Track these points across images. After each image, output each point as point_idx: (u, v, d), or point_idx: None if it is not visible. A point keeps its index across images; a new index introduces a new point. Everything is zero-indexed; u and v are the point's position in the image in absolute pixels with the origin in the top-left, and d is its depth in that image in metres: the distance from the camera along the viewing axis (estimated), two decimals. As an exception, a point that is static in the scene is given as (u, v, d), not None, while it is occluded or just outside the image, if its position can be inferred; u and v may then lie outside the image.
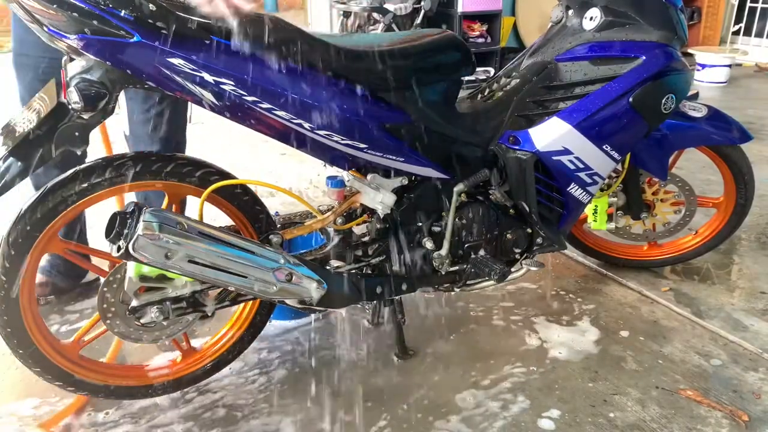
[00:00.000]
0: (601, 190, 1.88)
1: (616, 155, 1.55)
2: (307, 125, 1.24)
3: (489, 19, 4.93)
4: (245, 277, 1.25)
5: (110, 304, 1.31)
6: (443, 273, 1.55)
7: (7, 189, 1.15)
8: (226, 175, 1.37)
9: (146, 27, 1.08)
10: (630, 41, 1.52)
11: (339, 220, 1.49)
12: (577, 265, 2.19)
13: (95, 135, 1.19)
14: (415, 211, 1.50)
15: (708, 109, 1.81)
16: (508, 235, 1.58)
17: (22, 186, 1.18)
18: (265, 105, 1.19)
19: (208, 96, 1.16)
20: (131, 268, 1.26)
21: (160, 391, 1.48)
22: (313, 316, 1.86)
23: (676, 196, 1.99)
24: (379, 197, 1.43)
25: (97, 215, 1.40)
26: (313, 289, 1.34)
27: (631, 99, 1.49)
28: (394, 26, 4.04)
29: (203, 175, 1.34)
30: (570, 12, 1.60)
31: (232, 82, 1.15)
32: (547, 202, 1.59)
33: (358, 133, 1.29)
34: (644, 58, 1.50)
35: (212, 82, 1.14)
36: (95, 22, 1.05)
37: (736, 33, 6.22)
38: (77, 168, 1.25)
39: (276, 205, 2.60)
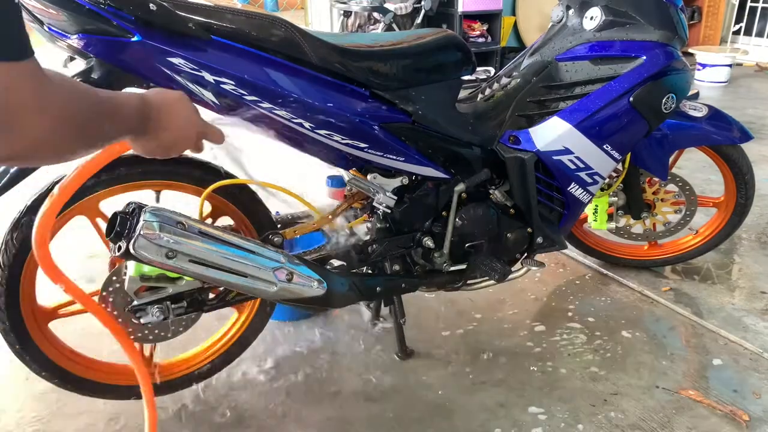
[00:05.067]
0: (602, 189, 1.88)
1: (616, 155, 1.55)
2: (307, 125, 1.24)
3: (489, 18, 4.93)
4: (246, 276, 1.24)
5: (110, 304, 1.31)
6: (444, 272, 1.55)
7: (7, 189, 1.15)
8: (226, 175, 1.37)
9: (146, 26, 1.08)
10: (630, 41, 1.52)
11: (339, 220, 1.49)
12: (578, 264, 2.19)
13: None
14: (416, 210, 1.50)
15: (708, 109, 1.81)
16: (509, 235, 1.58)
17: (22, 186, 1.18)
18: (266, 104, 1.19)
19: (209, 95, 1.17)
20: (132, 268, 1.26)
21: (161, 391, 1.48)
22: (313, 315, 1.86)
23: (677, 196, 1.99)
24: (380, 197, 1.43)
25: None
26: (314, 289, 1.34)
27: (631, 98, 1.49)
28: (394, 26, 4.05)
29: (203, 174, 1.34)
30: (570, 12, 1.60)
31: (232, 82, 1.15)
32: (547, 202, 1.59)
33: (358, 133, 1.29)
34: (645, 57, 1.50)
35: (212, 81, 1.14)
36: (96, 22, 1.05)
37: (737, 33, 6.21)
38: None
39: (276, 205, 2.60)
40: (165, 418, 1.47)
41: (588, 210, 1.90)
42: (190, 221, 1.21)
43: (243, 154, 1.24)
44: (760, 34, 6.06)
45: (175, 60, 1.11)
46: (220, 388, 1.56)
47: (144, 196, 1.32)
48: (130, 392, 1.45)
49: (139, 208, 1.18)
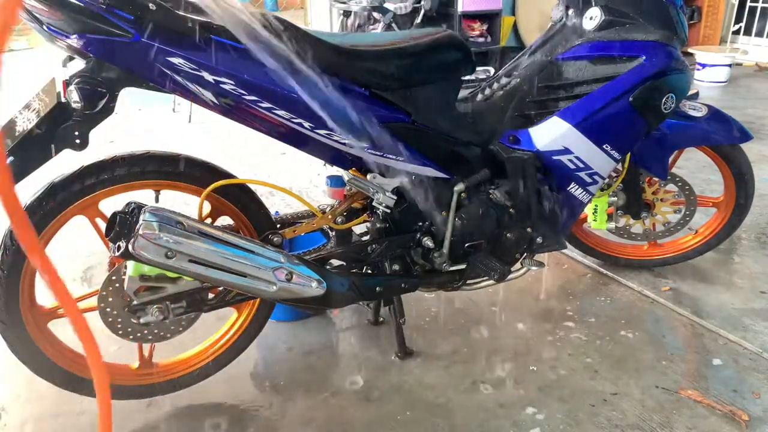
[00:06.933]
0: (601, 189, 1.88)
1: (616, 155, 1.55)
2: (306, 124, 1.24)
3: (489, 18, 4.93)
4: (245, 276, 1.25)
5: (110, 303, 1.31)
6: (443, 272, 1.55)
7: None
8: (226, 175, 1.37)
9: (146, 26, 1.08)
10: (630, 41, 1.52)
11: (339, 220, 1.49)
12: (577, 264, 2.19)
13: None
14: (415, 210, 1.50)
15: (708, 109, 1.81)
16: (508, 235, 1.58)
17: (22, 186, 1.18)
18: (265, 104, 1.19)
19: (208, 95, 1.16)
20: (131, 268, 1.26)
21: (160, 391, 1.48)
22: (312, 315, 1.85)
23: (676, 196, 1.99)
24: (379, 197, 1.43)
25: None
26: (313, 289, 1.34)
27: (631, 98, 1.49)
28: (394, 26, 4.05)
29: (203, 174, 1.34)
30: (570, 11, 1.60)
31: (232, 82, 1.15)
32: (547, 202, 1.58)
33: (358, 133, 1.29)
34: (644, 57, 1.50)
35: (212, 81, 1.14)
36: (95, 22, 1.05)
37: (736, 32, 6.21)
38: (78, 168, 1.25)
39: (276, 204, 2.60)
40: (165, 418, 1.47)
41: (588, 210, 1.90)
42: (189, 221, 1.21)
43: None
44: (759, 33, 6.06)
45: (174, 60, 1.11)
46: (219, 388, 1.55)
47: (144, 196, 1.32)
48: (131, 392, 1.45)
49: (139, 208, 1.19)
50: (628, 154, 1.78)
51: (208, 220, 1.41)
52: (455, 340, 1.75)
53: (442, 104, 1.41)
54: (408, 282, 1.53)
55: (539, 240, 1.61)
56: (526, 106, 1.53)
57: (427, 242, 1.50)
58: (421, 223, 1.51)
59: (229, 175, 1.37)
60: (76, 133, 1.14)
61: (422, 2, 4.11)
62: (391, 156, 1.35)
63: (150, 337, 1.37)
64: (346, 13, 4.45)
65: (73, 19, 1.04)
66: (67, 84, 1.11)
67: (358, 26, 4.42)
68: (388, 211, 1.45)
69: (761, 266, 2.15)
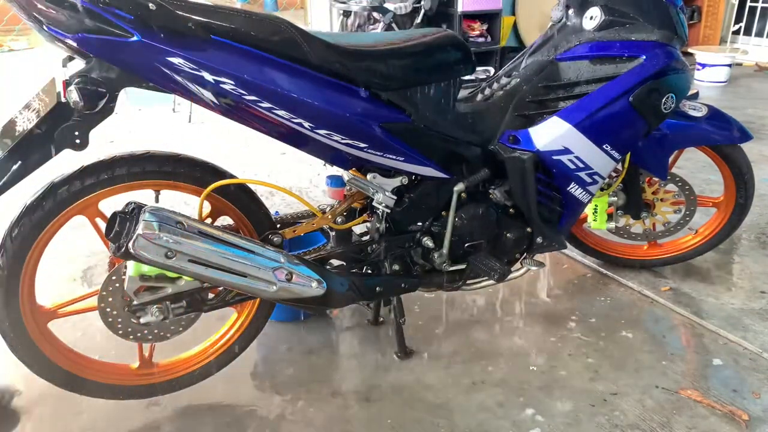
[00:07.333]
0: (601, 189, 1.88)
1: (616, 155, 1.55)
2: (306, 124, 1.24)
3: (489, 18, 4.93)
4: (245, 276, 1.25)
5: (110, 303, 1.31)
6: (443, 272, 1.55)
7: (7, 188, 1.15)
8: (226, 175, 1.37)
9: (146, 26, 1.08)
10: (630, 41, 1.52)
11: (339, 220, 1.49)
12: (577, 264, 2.19)
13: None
14: (415, 210, 1.50)
15: (708, 109, 1.81)
16: (508, 235, 1.58)
17: (22, 186, 1.18)
18: (265, 104, 1.19)
19: (208, 95, 1.17)
20: (131, 267, 1.26)
21: (160, 391, 1.48)
22: (312, 315, 1.85)
23: (676, 196, 1.99)
24: (379, 197, 1.43)
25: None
26: (313, 289, 1.34)
27: (631, 98, 1.49)
28: (394, 26, 4.05)
29: (203, 174, 1.34)
30: (570, 11, 1.60)
31: (232, 82, 1.15)
32: (547, 202, 1.58)
33: (357, 133, 1.29)
34: (644, 57, 1.50)
35: (212, 81, 1.14)
36: (95, 22, 1.05)
37: (736, 32, 6.21)
38: (78, 168, 1.25)
39: (276, 204, 2.60)
40: (164, 419, 1.47)
41: (588, 210, 1.90)
42: (189, 221, 1.21)
43: None
44: (759, 33, 6.06)
45: (174, 60, 1.11)
46: (219, 388, 1.55)
47: (144, 196, 1.32)
48: (131, 392, 1.45)
49: (139, 208, 1.19)
50: (628, 154, 1.78)
51: (208, 220, 1.41)
52: (455, 340, 1.75)
53: (442, 104, 1.41)
54: (408, 282, 1.53)
55: (539, 240, 1.61)
56: (526, 106, 1.53)
57: (427, 242, 1.51)
58: (421, 223, 1.51)
59: (229, 175, 1.37)
60: (76, 133, 1.14)
61: (422, 2, 4.11)
62: (390, 156, 1.35)
63: (150, 337, 1.37)
64: (346, 13, 4.45)
65: (73, 19, 1.05)
66: (67, 84, 1.12)
67: (358, 26, 4.43)
68: (388, 211, 1.45)
69: (761, 266, 2.15)
